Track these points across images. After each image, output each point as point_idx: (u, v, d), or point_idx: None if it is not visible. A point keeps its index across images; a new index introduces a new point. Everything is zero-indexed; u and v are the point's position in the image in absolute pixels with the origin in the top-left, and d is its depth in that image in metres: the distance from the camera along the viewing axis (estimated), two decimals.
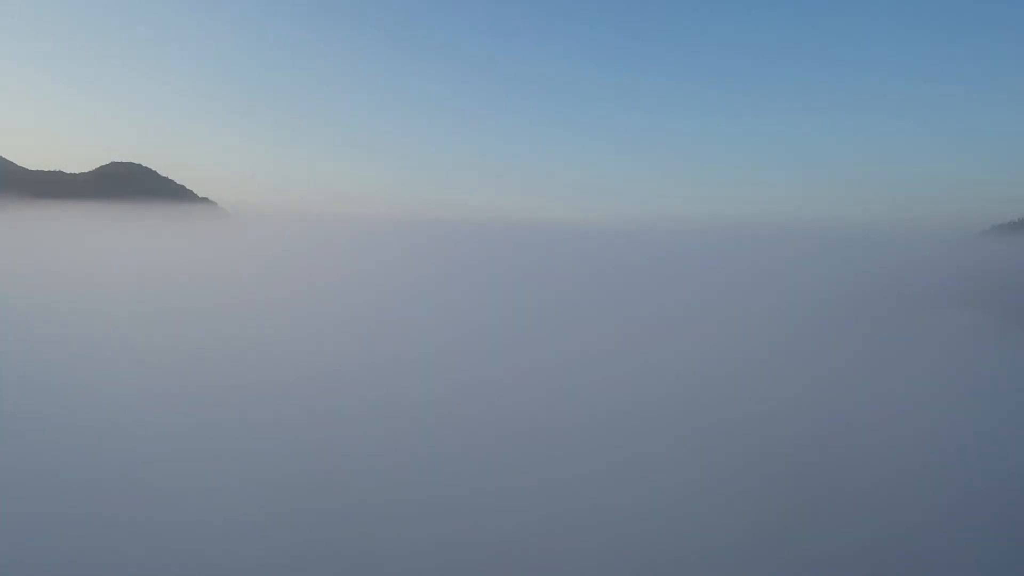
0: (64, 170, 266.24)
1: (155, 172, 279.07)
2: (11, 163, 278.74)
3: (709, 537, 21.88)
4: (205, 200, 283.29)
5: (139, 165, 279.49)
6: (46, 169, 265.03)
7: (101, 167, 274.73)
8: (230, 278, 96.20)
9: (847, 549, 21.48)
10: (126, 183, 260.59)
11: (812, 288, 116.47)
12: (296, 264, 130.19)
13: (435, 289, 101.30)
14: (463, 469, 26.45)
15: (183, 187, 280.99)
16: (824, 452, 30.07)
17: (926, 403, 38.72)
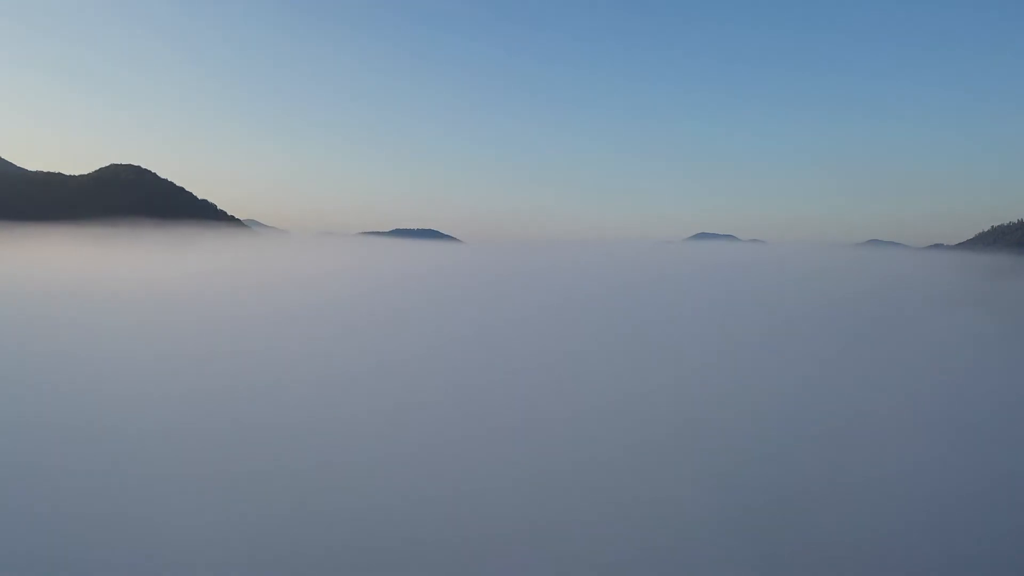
0: (63, 172, 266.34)
1: (155, 174, 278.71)
2: (11, 164, 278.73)
3: (708, 536, 21.95)
4: (205, 202, 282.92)
5: (138, 167, 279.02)
6: (45, 170, 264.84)
7: (100, 169, 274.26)
8: (242, 290, 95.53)
9: (850, 551, 21.59)
10: (126, 186, 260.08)
11: (813, 292, 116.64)
12: (302, 276, 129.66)
13: (433, 300, 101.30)
14: (470, 470, 26.51)
15: (183, 189, 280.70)
16: (824, 454, 30.19)
17: (929, 405, 38.90)
